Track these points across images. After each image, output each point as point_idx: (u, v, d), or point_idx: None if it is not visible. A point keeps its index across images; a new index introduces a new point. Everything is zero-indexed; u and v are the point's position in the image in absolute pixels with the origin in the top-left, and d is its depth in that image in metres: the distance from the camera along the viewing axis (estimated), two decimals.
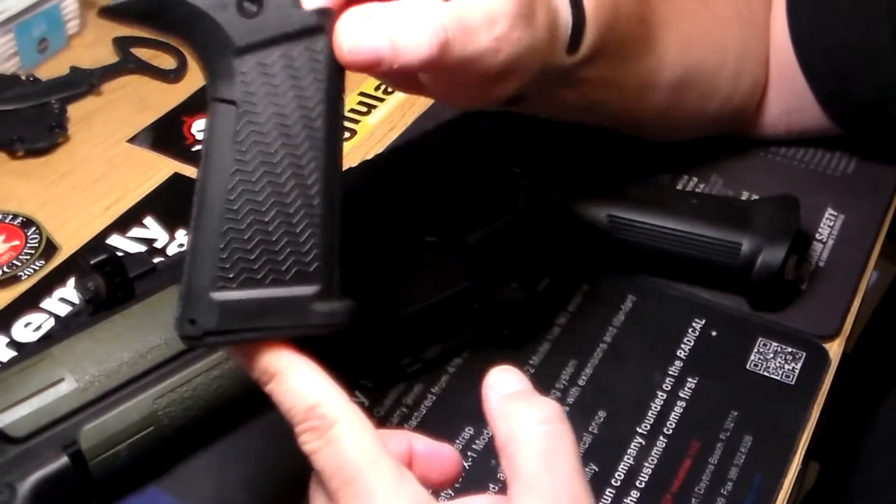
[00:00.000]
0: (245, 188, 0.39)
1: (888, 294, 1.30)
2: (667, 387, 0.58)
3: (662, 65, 0.61)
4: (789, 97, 0.70)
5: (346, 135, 0.73)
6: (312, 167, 0.40)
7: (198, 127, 0.75)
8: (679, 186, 0.70)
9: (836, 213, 0.69)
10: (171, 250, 0.65)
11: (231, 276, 0.38)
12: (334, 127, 0.41)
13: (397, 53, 0.41)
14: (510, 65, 0.46)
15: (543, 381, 0.57)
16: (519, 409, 0.39)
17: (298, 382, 0.39)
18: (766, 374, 0.59)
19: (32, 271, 0.63)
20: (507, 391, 0.40)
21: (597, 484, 0.53)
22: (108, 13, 0.40)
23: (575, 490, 0.37)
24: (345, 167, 0.62)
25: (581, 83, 0.56)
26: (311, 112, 0.40)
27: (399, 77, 0.48)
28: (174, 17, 0.39)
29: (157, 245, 0.65)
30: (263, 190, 0.39)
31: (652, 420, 0.56)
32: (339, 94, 0.41)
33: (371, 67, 0.41)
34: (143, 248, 0.65)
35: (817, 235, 0.67)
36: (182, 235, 0.66)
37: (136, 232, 0.66)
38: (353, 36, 0.40)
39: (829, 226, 0.68)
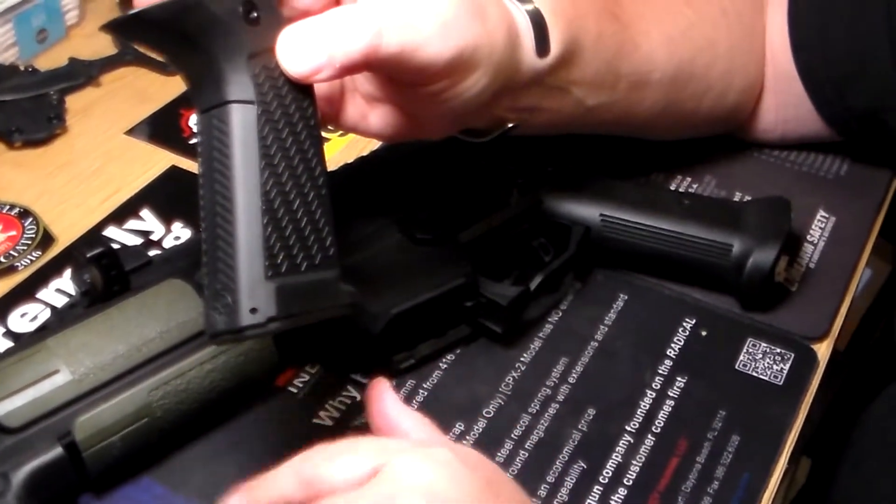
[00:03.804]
0: (275, 181, 0.41)
1: (881, 292, 1.31)
2: (656, 385, 0.58)
3: (652, 63, 0.62)
4: (786, 106, 0.71)
5: (342, 131, 0.73)
6: (317, 160, 0.43)
7: (196, 120, 0.75)
8: (672, 186, 0.71)
9: (827, 215, 0.70)
10: (168, 243, 0.65)
11: (277, 263, 0.41)
12: (319, 123, 0.44)
13: (333, 58, 0.43)
14: (465, 53, 0.48)
15: (534, 378, 0.58)
16: None
17: None
18: (754, 374, 0.59)
19: (29, 262, 0.63)
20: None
21: (585, 481, 0.53)
22: (127, 23, 0.40)
23: None
24: (340, 164, 0.63)
25: (573, 86, 0.57)
26: (307, 111, 0.43)
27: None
28: (194, 24, 0.41)
29: (154, 237, 0.65)
30: (287, 182, 0.42)
31: (641, 418, 0.56)
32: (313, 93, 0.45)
33: (315, 76, 0.43)
34: (139, 241, 0.65)
35: (808, 237, 0.68)
36: (179, 228, 0.66)
37: (132, 224, 0.66)
38: (290, 56, 0.43)
39: (820, 227, 0.69)
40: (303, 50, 0.43)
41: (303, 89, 0.43)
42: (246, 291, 0.40)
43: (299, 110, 0.43)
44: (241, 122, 0.41)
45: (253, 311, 0.40)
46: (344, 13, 0.44)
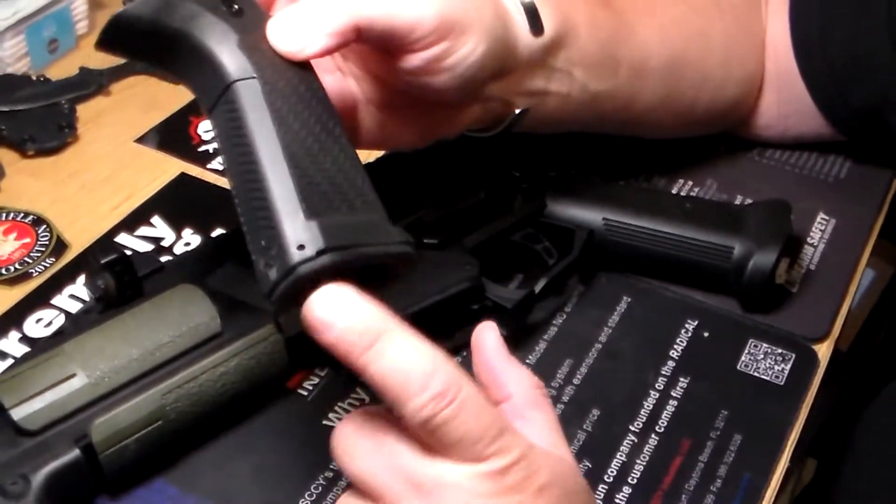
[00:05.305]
0: (293, 137, 0.42)
1: (884, 293, 1.32)
2: (659, 386, 0.59)
3: (648, 50, 0.63)
4: (787, 102, 0.72)
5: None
6: (333, 122, 0.44)
7: (204, 127, 0.76)
8: (674, 190, 0.72)
9: (827, 218, 0.71)
10: (178, 249, 0.66)
11: (315, 204, 0.41)
12: (327, 95, 0.46)
13: (322, 29, 0.45)
14: (452, 13, 0.49)
15: (539, 380, 0.59)
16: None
17: (411, 345, 0.39)
18: (756, 374, 0.60)
19: (43, 268, 0.65)
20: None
21: (590, 480, 0.54)
22: (114, 28, 0.42)
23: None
24: None
25: (575, 68, 0.58)
26: (312, 83, 0.45)
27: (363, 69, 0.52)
28: (180, 18, 0.43)
29: (164, 244, 0.66)
30: (307, 138, 0.43)
31: (644, 419, 0.57)
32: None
33: (308, 49, 0.45)
34: (150, 247, 0.66)
35: (809, 239, 0.69)
36: (189, 234, 0.67)
37: (143, 231, 0.67)
38: (281, 35, 0.45)
39: (820, 230, 0.70)
40: (293, 26, 0.44)
41: (301, 65, 0.45)
42: (289, 232, 0.40)
43: (304, 82, 0.44)
44: (248, 94, 0.43)
45: (300, 247, 0.40)
46: None
